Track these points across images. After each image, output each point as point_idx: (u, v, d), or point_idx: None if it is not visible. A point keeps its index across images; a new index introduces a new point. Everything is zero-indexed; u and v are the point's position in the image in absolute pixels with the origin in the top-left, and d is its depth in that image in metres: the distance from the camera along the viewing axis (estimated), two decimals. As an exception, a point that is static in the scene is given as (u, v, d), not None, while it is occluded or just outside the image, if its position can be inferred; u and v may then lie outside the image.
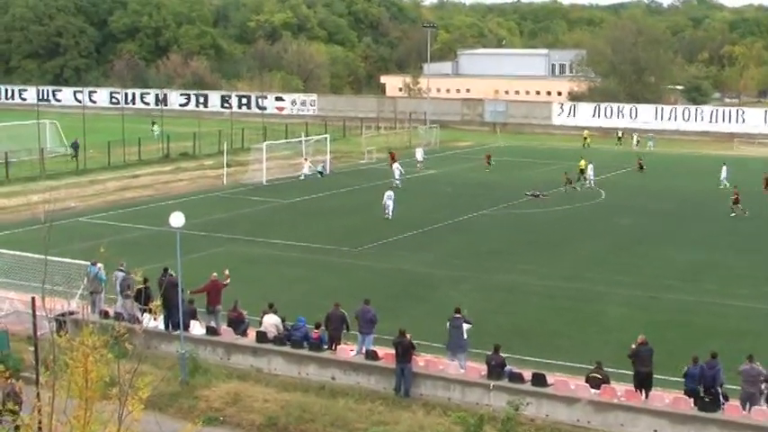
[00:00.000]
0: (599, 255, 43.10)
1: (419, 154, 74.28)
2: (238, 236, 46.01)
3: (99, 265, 29.41)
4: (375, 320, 27.03)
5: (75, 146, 72.56)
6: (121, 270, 30.38)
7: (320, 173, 67.90)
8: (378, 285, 36.23)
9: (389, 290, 35.89)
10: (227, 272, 30.01)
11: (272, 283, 36.67)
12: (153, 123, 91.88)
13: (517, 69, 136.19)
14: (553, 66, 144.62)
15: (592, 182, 63.58)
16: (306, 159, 68.18)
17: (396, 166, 63.40)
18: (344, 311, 27.46)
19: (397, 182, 60.84)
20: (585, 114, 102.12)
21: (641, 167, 69.95)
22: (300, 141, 73.21)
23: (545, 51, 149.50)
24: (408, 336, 25.43)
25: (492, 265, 40.61)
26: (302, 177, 65.86)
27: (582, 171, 64.36)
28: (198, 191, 60.87)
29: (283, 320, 28.04)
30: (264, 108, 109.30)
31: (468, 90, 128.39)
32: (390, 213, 50.99)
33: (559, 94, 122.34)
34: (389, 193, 52.25)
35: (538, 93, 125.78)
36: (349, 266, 40.24)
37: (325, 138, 74.77)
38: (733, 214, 52.69)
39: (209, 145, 78.35)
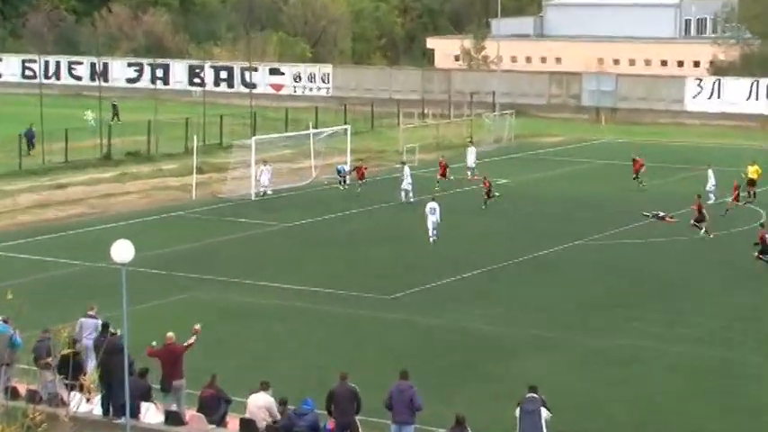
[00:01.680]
0: (756, 308, 42.87)
1: (470, 157, 72.90)
2: (213, 276, 46.18)
3: (10, 323, 29.44)
4: (418, 405, 26.94)
5: (30, 135, 73.95)
6: (91, 316, 31.18)
7: (343, 178, 67.68)
8: (421, 352, 36.25)
9: (438, 360, 35.90)
10: (197, 327, 29.81)
11: (263, 348, 36.79)
12: (113, 107, 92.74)
13: (633, 28, 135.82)
14: (687, 22, 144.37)
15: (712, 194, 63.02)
16: (265, 162, 66.57)
17: (406, 172, 63.70)
18: (356, 386, 27.35)
19: (410, 193, 61.91)
20: (737, 95, 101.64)
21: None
22: (308, 135, 73.34)
23: (675, 0, 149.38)
24: (468, 427, 25.41)
25: (595, 322, 40.52)
26: (262, 193, 65.14)
27: (752, 182, 63.44)
28: (154, 208, 61.28)
29: (284, 404, 27.95)
30: (254, 86, 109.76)
31: (558, 60, 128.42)
32: (432, 233, 51.67)
33: (697, 65, 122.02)
34: (432, 204, 52.56)
35: (664, 63, 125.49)
36: (378, 323, 40.34)
37: (345, 130, 74.91)
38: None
39: (172, 140, 78.76)
